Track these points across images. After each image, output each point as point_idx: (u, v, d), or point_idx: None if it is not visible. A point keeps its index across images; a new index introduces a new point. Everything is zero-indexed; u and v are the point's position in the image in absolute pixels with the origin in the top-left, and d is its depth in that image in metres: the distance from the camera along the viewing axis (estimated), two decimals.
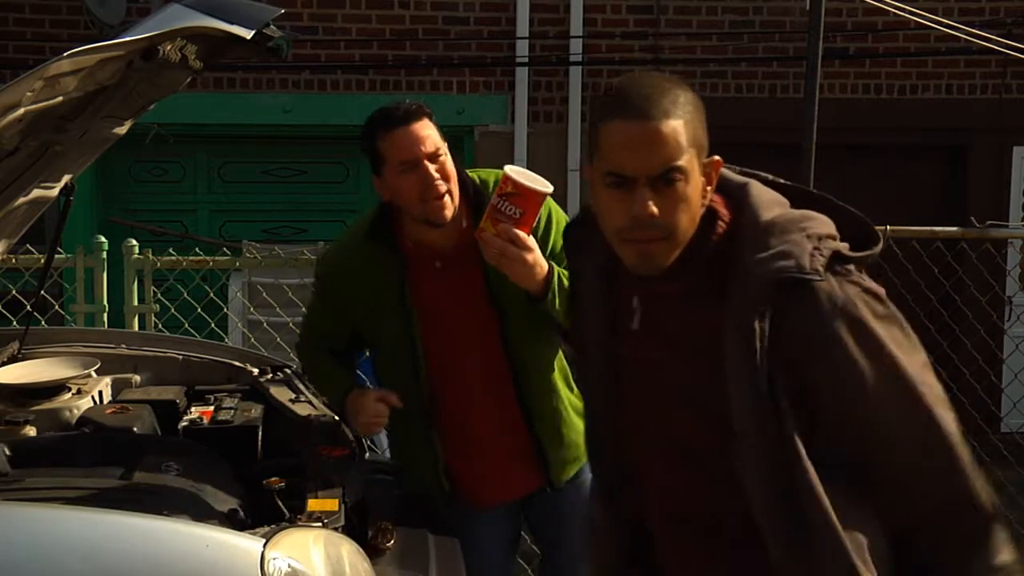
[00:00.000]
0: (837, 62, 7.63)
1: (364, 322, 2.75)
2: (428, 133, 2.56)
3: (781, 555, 1.67)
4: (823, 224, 1.68)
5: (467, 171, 2.70)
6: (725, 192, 1.77)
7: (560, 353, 2.78)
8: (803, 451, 1.63)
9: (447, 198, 2.56)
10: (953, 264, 4.77)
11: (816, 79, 4.69)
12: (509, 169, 2.31)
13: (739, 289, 1.65)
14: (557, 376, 2.77)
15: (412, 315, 2.65)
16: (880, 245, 1.72)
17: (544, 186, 2.30)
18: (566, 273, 2.42)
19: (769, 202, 1.72)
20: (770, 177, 1.83)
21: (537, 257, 2.41)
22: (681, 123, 1.64)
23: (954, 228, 4.71)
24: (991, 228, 4.72)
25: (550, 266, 2.48)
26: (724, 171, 1.78)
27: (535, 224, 2.43)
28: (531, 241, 2.38)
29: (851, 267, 1.66)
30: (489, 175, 2.71)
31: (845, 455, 1.67)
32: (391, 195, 2.61)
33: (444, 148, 2.59)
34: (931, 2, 7.31)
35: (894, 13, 5.91)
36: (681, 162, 1.64)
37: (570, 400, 2.78)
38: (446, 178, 2.57)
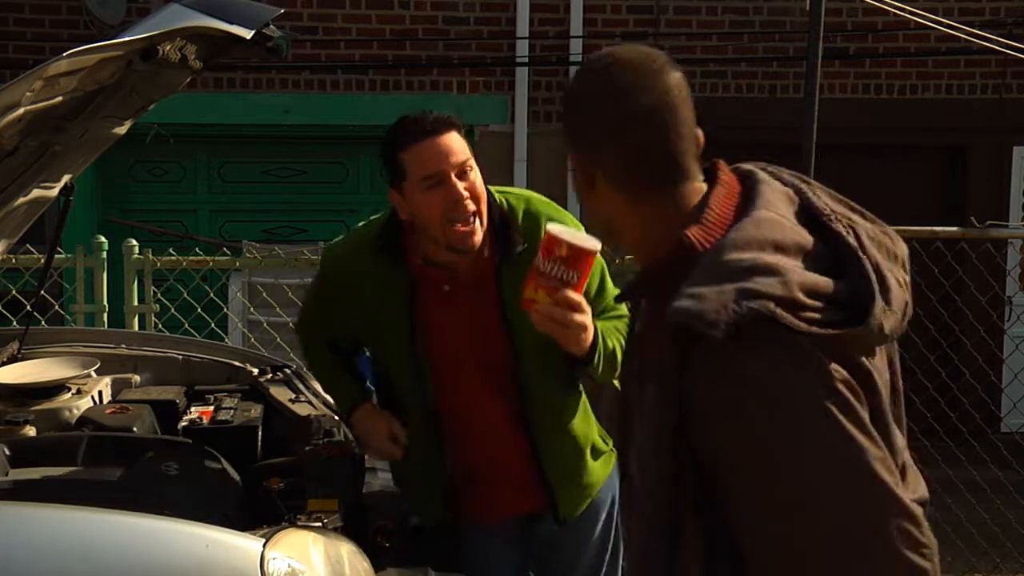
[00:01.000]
0: (837, 62, 7.62)
1: (365, 330, 2.58)
2: (457, 146, 2.33)
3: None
4: (777, 279, 1.38)
5: (489, 188, 2.46)
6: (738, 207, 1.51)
7: (582, 395, 2.59)
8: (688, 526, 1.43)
9: (475, 222, 2.33)
10: (953, 264, 4.77)
11: (816, 79, 4.70)
12: (557, 230, 1.99)
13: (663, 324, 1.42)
14: (576, 419, 2.56)
15: (416, 336, 2.45)
16: (864, 327, 1.41)
17: (596, 244, 1.99)
18: (618, 326, 2.38)
19: (748, 240, 1.42)
20: (823, 196, 1.55)
21: (589, 321, 2.17)
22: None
23: (954, 228, 4.73)
24: (991, 228, 4.72)
25: (595, 327, 2.24)
26: (762, 175, 1.55)
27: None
28: (584, 304, 2.10)
29: (798, 337, 1.37)
30: (516, 200, 2.49)
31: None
32: (410, 212, 2.37)
33: (473, 164, 2.37)
34: (931, 2, 7.31)
35: (894, 13, 5.91)
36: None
37: (588, 441, 2.59)
38: (475, 198, 2.34)
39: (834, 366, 1.39)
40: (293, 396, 3.00)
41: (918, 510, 1.40)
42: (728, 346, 1.36)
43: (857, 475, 1.37)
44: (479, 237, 2.35)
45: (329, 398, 3.03)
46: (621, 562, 2.70)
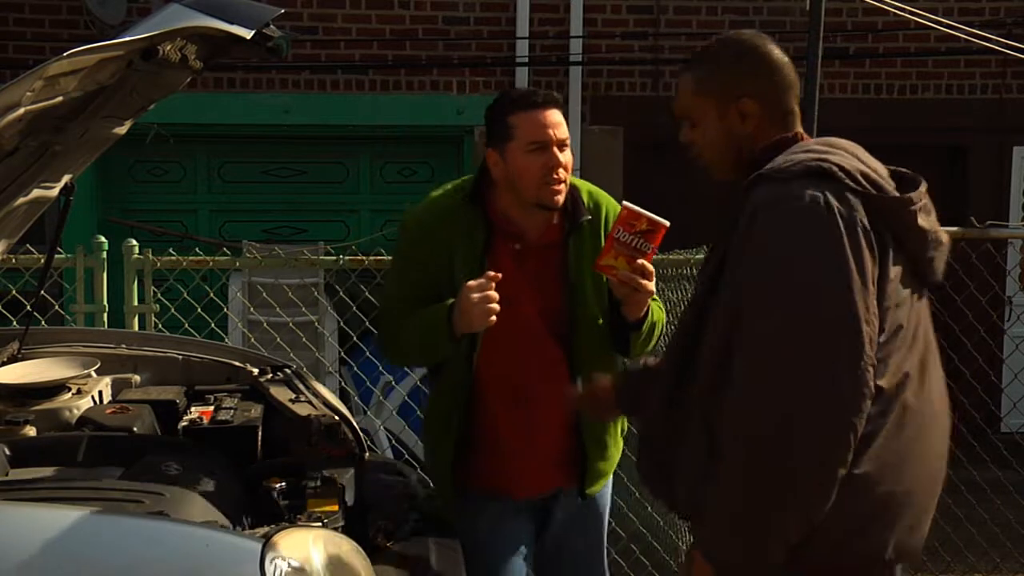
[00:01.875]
0: (837, 62, 7.63)
1: (443, 281, 2.68)
2: (562, 122, 2.65)
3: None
4: (833, 156, 1.94)
5: None
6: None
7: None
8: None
9: (563, 186, 2.65)
10: (953, 264, 4.76)
11: (816, 79, 4.70)
12: (633, 206, 2.40)
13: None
14: None
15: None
16: (914, 190, 1.99)
17: (665, 221, 2.44)
18: (658, 306, 2.72)
19: (822, 142, 2.03)
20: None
21: (652, 287, 2.53)
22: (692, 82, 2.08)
23: (954, 228, 4.71)
24: (991, 228, 4.72)
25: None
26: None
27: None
28: (652, 270, 2.51)
29: (844, 193, 1.87)
30: (581, 184, 2.81)
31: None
32: (508, 171, 2.64)
33: (569, 143, 2.67)
34: (931, 2, 7.32)
35: (894, 13, 5.91)
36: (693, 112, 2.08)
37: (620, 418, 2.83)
38: (567, 168, 2.65)
39: (864, 217, 1.85)
40: (293, 396, 3.00)
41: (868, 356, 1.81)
42: (790, 180, 1.87)
43: (837, 293, 1.80)
44: (563, 198, 2.66)
45: (328, 398, 3.04)
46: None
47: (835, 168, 1.89)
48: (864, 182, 1.90)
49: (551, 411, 2.72)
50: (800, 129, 2.10)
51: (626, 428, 2.94)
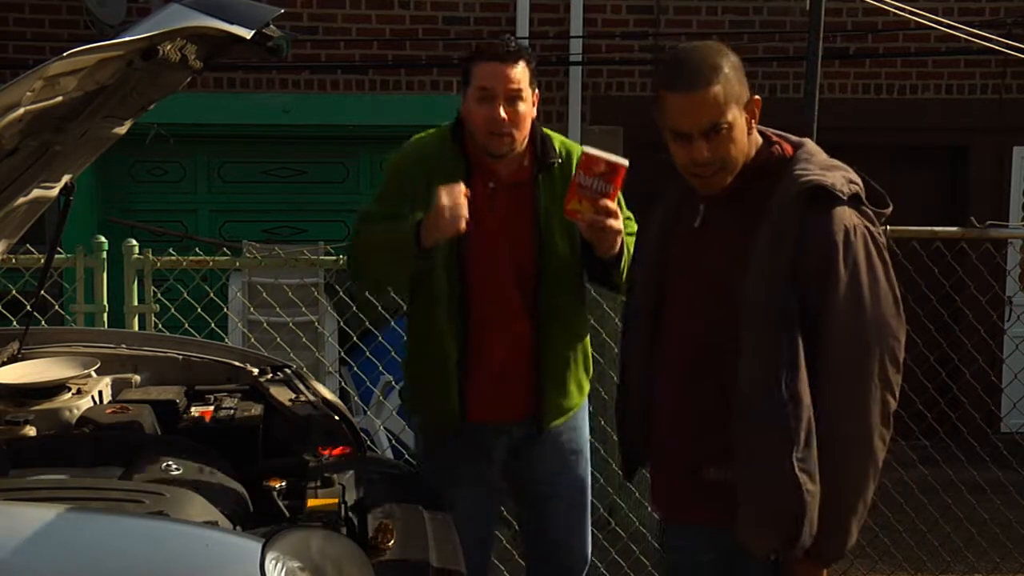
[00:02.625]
0: (837, 62, 7.62)
1: (416, 210, 2.78)
2: (515, 75, 2.78)
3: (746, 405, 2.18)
4: (857, 177, 2.26)
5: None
6: (786, 139, 2.37)
7: (587, 331, 3.03)
8: (795, 322, 2.14)
9: (507, 138, 2.77)
10: (953, 264, 4.77)
11: (816, 79, 4.70)
12: (592, 150, 2.49)
13: (782, 194, 2.19)
14: (577, 341, 2.99)
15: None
16: (889, 208, 2.29)
17: (625, 161, 2.51)
18: (628, 240, 2.77)
19: (822, 152, 2.32)
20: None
21: (622, 227, 2.62)
22: (720, 88, 2.17)
23: (954, 228, 4.71)
24: (991, 228, 4.72)
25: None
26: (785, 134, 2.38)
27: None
28: (618, 211, 2.59)
29: (867, 211, 2.23)
30: (554, 134, 2.97)
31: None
32: (465, 116, 2.84)
33: (527, 95, 2.81)
34: (931, 2, 7.32)
35: (894, 13, 5.91)
36: (725, 117, 2.19)
37: (578, 367, 3.00)
38: (514, 122, 2.77)
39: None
40: (293, 396, 3.00)
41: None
42: (845, 208, 2.19)
43: (889, 297, 2.20)
44: (507, 149, 2.79)
45: (328, 398, 3.04)
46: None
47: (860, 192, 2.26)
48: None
49: (519, 348, 2.88)
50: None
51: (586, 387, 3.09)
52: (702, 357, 2.32)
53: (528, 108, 2.84)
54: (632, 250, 2.75)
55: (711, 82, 2.17)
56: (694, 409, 2.34)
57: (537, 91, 2.91)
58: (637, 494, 4.76)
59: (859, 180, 2.26)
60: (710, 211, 2.33)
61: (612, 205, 2.52)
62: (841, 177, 2.22)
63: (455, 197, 2.64)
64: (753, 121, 2.29)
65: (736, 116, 2.22)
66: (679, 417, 2.37)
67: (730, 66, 2.21)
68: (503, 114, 2.75)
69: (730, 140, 2.22)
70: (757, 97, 2.28)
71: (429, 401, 2.96)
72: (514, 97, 2.77)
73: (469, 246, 2.79)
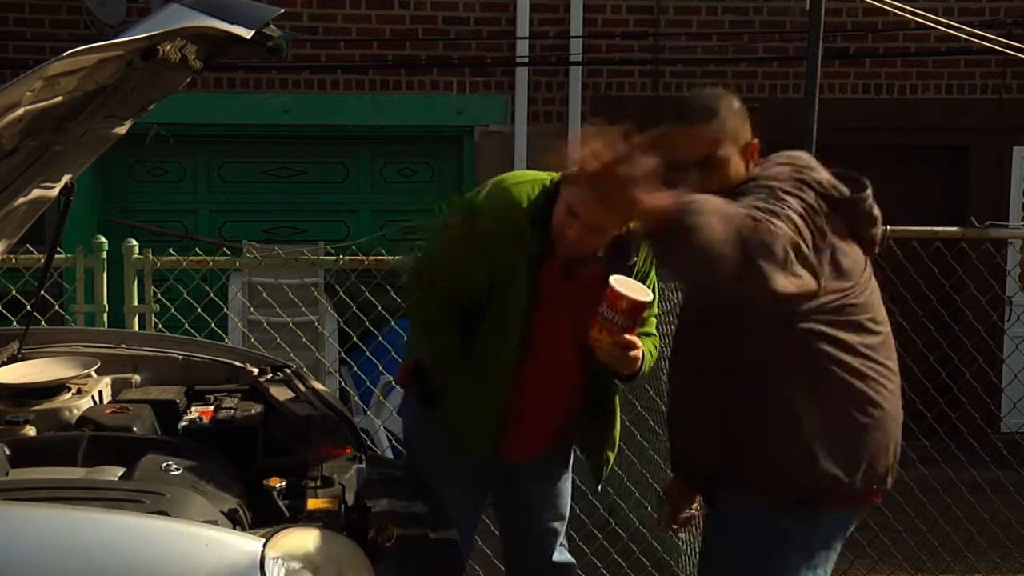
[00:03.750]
0: (837, 62, 7.63)
1: (487, 275, 2.82)
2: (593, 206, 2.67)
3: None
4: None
5: None
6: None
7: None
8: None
9: (573, 251, 2.77)
10: (953, 264, 4.77)
11: (816, 79, 4.70)
12: (620, 286, 2.50)
13: None
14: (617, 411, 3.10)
15: (532, 299, 2.81)
16: (857, 193, 2.45)
17: (649, 296, 2.59)
18: (651, 345, 2.91)
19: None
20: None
21: (640, 354, 2.68)
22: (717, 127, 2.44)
23: (954, 228, 4.71)
24: (991, 228, 4.72)
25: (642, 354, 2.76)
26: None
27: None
28: (638, 342, 2.64)
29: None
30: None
31: None
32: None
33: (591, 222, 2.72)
34: (931, 2, 7.32)
35: (894, 13, 5.91)
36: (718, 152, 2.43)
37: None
38: (590, 231, 2.72)
39: (818, 198, 2.34)
40: (293, 396, 3.00)
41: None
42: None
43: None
44: (572, 252, 2.78)
45: (328, 398, 3.03)
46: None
47: None
48: None
49: (561, 415, 3.01)
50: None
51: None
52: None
53: (612, 233, 2.79)
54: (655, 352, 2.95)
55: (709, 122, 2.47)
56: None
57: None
58: (637, 494, 4.76)
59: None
60: None
61: (630, 339, 2.55)
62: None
63: None
64: (750, 160, 2.50)
65: (730, 152, 2.47)
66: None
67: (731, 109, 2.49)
68: (574, 236, 2.73)
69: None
70: (755, 141, 2.50)
71: (465, 429, 2.97)
72: (582, 217, 2.73)
73: (536, 320, 2.84)
